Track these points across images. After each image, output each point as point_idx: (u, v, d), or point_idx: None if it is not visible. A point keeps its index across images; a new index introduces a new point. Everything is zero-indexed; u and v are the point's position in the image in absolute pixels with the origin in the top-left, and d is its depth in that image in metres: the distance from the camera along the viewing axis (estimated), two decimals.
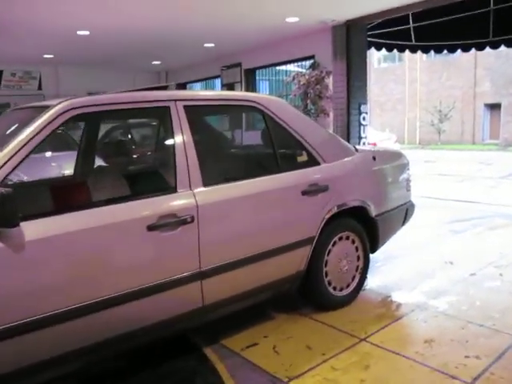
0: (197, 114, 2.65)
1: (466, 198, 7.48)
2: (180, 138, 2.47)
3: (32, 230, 1.89)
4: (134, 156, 3.10)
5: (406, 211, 3.81)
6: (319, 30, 7.82)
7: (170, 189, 2.40)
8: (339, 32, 7.56)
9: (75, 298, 2.01)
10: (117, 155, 3.10)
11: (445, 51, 8.56)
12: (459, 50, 8.51)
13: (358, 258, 3.34)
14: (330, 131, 7.93)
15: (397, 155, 3.95)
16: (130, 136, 6.66)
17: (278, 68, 10.10)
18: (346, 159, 3.23)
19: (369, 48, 8.38)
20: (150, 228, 2.24)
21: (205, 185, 2.48)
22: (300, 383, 2.37)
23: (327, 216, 2.98)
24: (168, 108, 2.51)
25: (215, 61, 10.56)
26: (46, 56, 9.60)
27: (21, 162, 1.95)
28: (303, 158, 2.99)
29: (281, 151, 2.91)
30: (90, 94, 2.65)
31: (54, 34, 7.55)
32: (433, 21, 7.91)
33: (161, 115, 2.54)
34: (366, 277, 3.46)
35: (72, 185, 2.96)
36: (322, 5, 6.53)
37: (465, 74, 23.24)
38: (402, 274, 3.93)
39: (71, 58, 9.84)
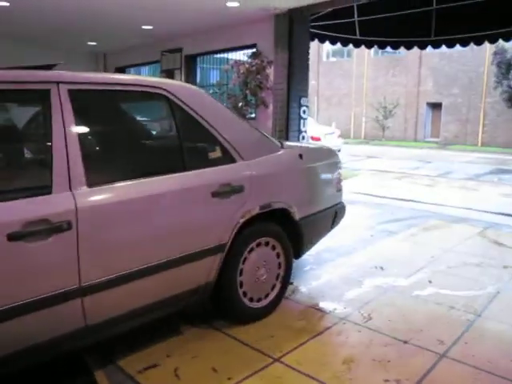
0: (86, 100, 2.22)
1: (403, 197, 7.45)
2: (60, 129, 2.03)
3: None
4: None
5: (335, 214, 3.57)
6: (262, 18, 7.48)
7: (43, 189, 1.97)
8: (281, 21, 7.24)
9: None
10: None
11: (388, 47, 8.47)
12: (402, 47, 8.45)
13: (279, 265, 3.05)
14: (264, 124, 7.65)
15: (327, 153, 3.69)
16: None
17: (227, 56, 9.66)
18: (267, 157, 2.91)
19: (312, 40, 8.15)
20: (12, 237, 1.81)
21: (89, 185, 2.07)
22: None
23: (242, 220, 2.65)
24: (48, 92, 2.07)
25: (156, 45, 9.98)
26: None
27: None
28: (216, 154, 2.64)
29: (189, 146, 2.53)
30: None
31: None
32: (378, 16, 7.79)
33: (38, 100, 2.09)
34: (287, 285, 3.18)
35: None
36: None
37: (410, 72, 23.79)
38: (329, 280, 3.69)
39: None
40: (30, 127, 2.35)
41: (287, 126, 7.50)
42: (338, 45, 8.71)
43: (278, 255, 3.02)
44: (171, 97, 2.50)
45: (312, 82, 28.93)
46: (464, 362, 2.48)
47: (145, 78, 2.46)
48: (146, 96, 2.48)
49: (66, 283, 1.98)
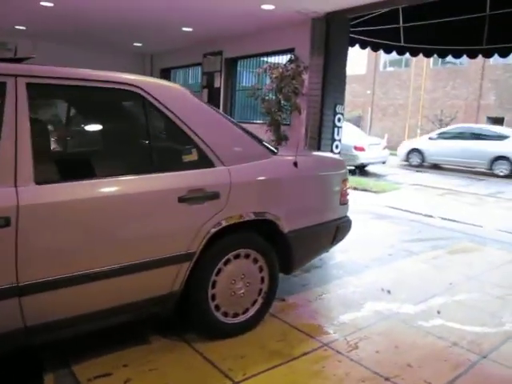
0: (45, 95, 2.13)
1: (440, 214, 6.93)
2: (11, 123, 1.95)
3: None
4: None
5: (336, 229, 3.30)
6: (299, 22, 7.29)
7: None
8: (318, 25, 7.01)
9: None
10: None
11: (435, 55, 7.98)
12: (450, 56, 7.95)
13: (262, 279, 2.83)
14: (298, 130, 7.40)
15: (333, 163, 3.44)
16: None
17: (267, 60, 9.53)
18: (253, 163, 2.70)
19: (353, 45, 7.85)
20: None
21: (38, 182, 1.97)
22: None
23: (214, 229, 2.46)
24: (4, 84, 2.00)
25: (199, 47, 10.04)
26: (17, 27, 9.11)
27: None
28: (192, 157, 2.47)
29: (158, 148, 2.39)
30: None
31: (18, 2, 7.05)
32: (424, 22, 7.36)
33: None
34: (271, 302, 2.94)
35: None
36: None
37: (471, 85, 22.55)
38: (327, 299, 3.42)
39: (45, 32, 9.34)
40: None
41: (320, 134, 7.24)
42: (396, 54, 8.32)
43: (260, 269, 2.80)
44: (145, 95, 2.36)
45: (367, 92, 28.31)
46: None
47: (116, 74, 2.33)
48: (116, 93, 2.35)
49: (3, 280, 1.89)
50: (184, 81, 13.39)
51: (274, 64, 7.70)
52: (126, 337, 2.66)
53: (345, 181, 3.36)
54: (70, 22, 8.22)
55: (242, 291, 2.71)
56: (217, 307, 2.63)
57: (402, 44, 7.91)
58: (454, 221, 6.54)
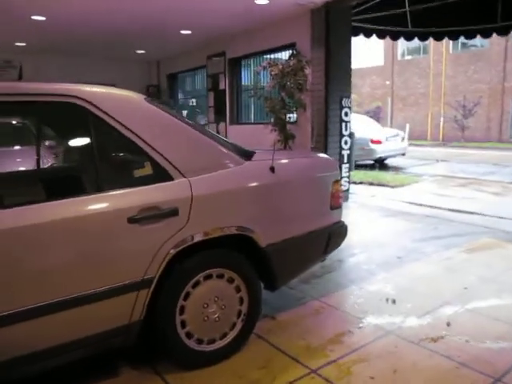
0: None
1: (460, 207, 6.47)
2: None
3: None
4: None
5: (328, 237, 2.98)
6: (298, 15, 6.93)
7: None
8: (317, 15, 6.65)
9: None
10: None
11: (445, 38, 7.52)
12: (462, 37, 7.47)
13: (241, 300, 2.54)
14: (305, 128, 7.07)
15: (320, 165, 3.13)
16: None
17: (270, 57, 9.22)
18: (220, 171, 2.42)
19: (356, 34, 7.47)
20: None
21: None
22: None
23: (174, 251, 2.19)
24: None
25: (203, 50, 9.81)
26: (17, 44, 9.06)
27: None
28: (145, 171, 2.20)
29: (105, 164, 2.13)
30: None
31: (10, 18, 6.97)
32: (432, 4, 6.89)
33: None
34: (253, 324, 2.65)
35: None
36: None
37: (493, 67, 21.61)
38: (323, 316, 3.09)
39: (46, 46, 9.25)
40: None
41: (326, 130, 6.86)
42: (414, 42, 7.88)
43: (237, 289, 2.52)
44: (89, 106, 2.11)
45: (386, 83, 27.57)
46: None
47: (55, 85, 2.10)
48: (55, 106, 2.11)
49: None
50: (192, 85, 13.22)
51: (274, 60, 7.37)
52: (91, 369, 2.42)
53: (336, 183, 3.04)
54: (66, 34, 8.10)
55: (216, 315, 2.44)
56: (188, 334, 2.36)
57: (410, 29, 7.47)
58: (475, 213, 6.08)
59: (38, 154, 2.00)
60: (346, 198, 7.15)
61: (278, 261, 2.64)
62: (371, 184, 8.99)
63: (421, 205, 6.84)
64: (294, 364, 2.48)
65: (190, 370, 2.41)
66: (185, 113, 11.62)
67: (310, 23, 6.85)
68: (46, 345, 1.95)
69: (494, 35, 7.18)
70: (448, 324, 2.89)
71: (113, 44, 9.20)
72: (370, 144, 11.80)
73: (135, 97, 2.37)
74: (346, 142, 7.11)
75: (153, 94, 11.54)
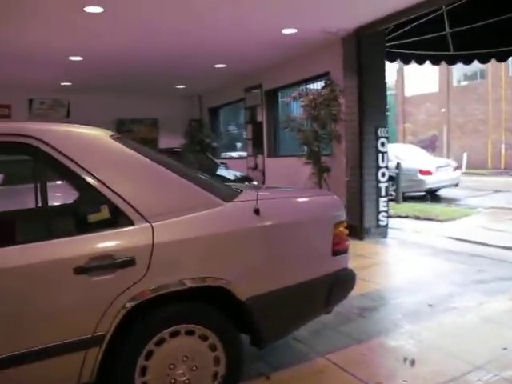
0: None
1: None
2: None
3: None
4: None
5: (329, 287, 2.60)
6: (330, 43, 6.72)
7: None
8: (348, 43, 6.39)
9: None
10: None
11: (492, 60, 6.96)
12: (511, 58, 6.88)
13: (217, 360, 2.22)
14: (341, 160, 6.71)
15: (319, 205, 2.79)
16: None
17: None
18: (192, 215, 2.16)
19: (392, 61, 7.08)
20: None
21: None
22: None
23: (130, 304, 1.94)
24: None
25: (239, 83, 9.82)
26: (63, 84, 9.50)
27: None
28: (102, 215, 1.99)
29: (56, 209, 1.96)
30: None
31: (49, 59, 7.30)
32: (475, 24, 6.42)
33: None
34: None
35: None
36: (315, 11, 5.48)
37: None
38: (325, 377, 2.68)
39: (89, 84, 9.64)
40: None
41: (361, 162, 6.47)
42: (471, 67, 7.41)
43: (212, 347, 2.21)
44: (42, 146, 1.96)
45: (442, 110, 26.47)
46: None
47: (8, 124, 1.97)
48: (8, 146, 1.97)
49: None
50: (234, 118, 13.28)
51: (305, 90, 7.15)
52: None
53: (339, 225, 2.67)
54: (104, 73, 8.38)
55: (185, 377, 2.13)
56: None
57: (452, 52, 7.00)
58: None
59: None
60: (385, 235, 6.67)
61: (263, 316, 2.30)
62: (417, 218, 8.37)
63: (469, 241, 6.19)
64: None
65: None
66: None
67: (342, 51, 6.59)
68: None
69: None
70: None
71: (151, 80, 9.41)
72: (419, 175, 11.14)
73: (98, 134, 2.19)
74: (383, 174, 6.65)
75: (195, 128, 11.66)
